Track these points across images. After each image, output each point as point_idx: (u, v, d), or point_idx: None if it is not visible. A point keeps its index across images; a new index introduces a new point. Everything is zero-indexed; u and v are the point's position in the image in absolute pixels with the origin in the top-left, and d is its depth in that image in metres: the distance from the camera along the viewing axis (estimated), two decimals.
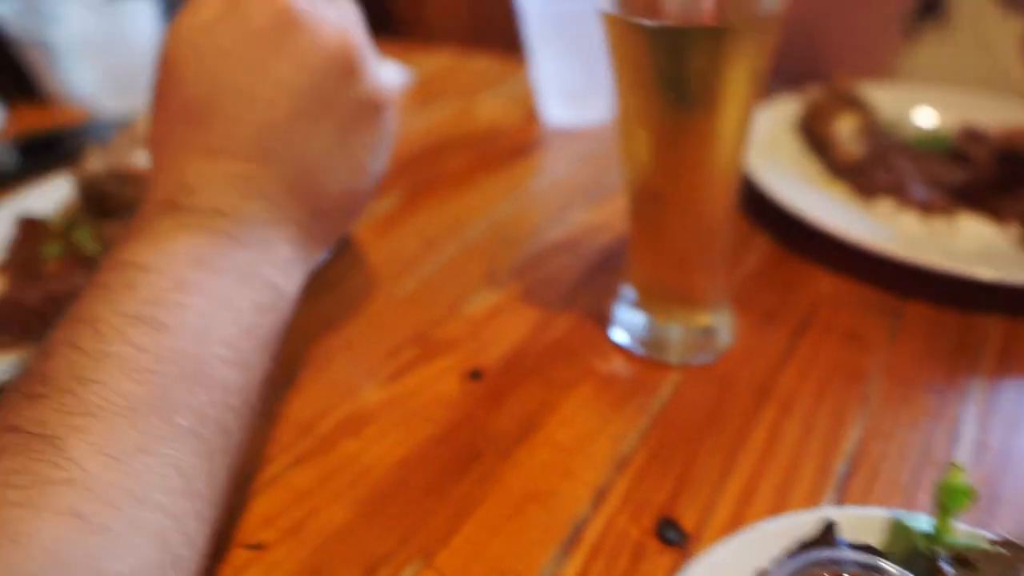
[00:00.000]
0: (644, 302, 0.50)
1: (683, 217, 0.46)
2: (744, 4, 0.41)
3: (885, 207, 0.62)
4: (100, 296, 0.32)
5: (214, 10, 0.39)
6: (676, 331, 0.50)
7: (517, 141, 0.81)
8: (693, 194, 0.46)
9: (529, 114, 0.86)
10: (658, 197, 0.46)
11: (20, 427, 0.27)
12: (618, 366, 0.49)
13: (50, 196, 0.71)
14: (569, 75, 0.79)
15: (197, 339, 0.32)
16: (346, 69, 0.39)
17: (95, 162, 0.63)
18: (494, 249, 0.62)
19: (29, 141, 0.91)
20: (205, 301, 0.33)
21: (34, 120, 1.02)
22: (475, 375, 0.49)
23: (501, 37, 1.25)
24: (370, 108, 0.41)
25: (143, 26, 0.94)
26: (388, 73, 0.95)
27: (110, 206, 0.56)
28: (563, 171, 0.74)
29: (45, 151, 0.86)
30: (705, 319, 0.50)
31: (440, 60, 1.06)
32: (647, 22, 0.40)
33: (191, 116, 0.37)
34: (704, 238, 0.47)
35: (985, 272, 0.52)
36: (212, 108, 0.37)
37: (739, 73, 0.40)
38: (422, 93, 0.96)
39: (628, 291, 0.51)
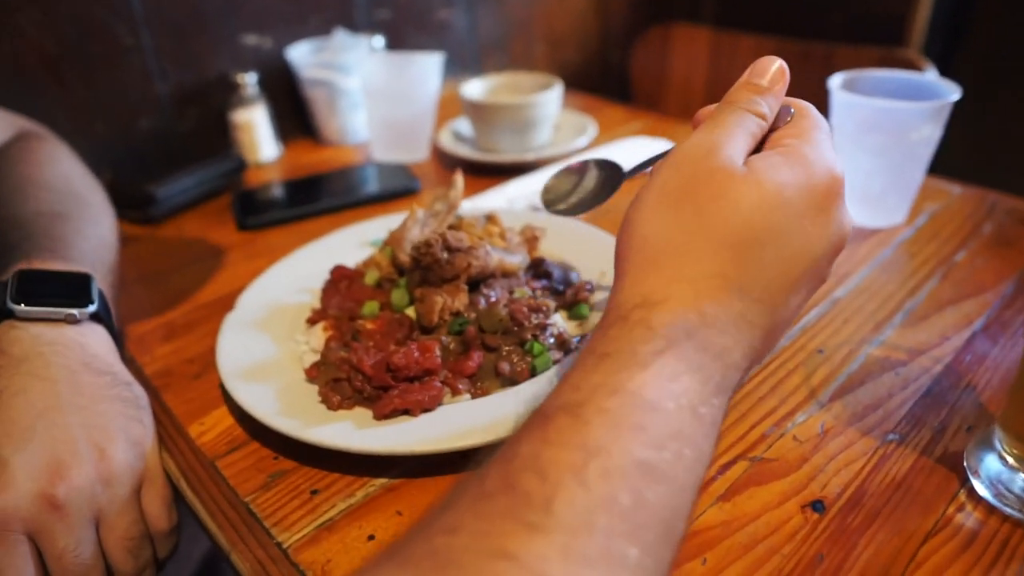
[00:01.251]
0: None
1: None
2: None
3: None
4: (606, 423, 0.31)
5: (782, 156, 0.39)
6: None
7: None
8: None
9: None
10: None
11: (518, 557, 0.26)
12: (982, 524, 0.44)
13: (353, 242, 0.75)
14: (870, 176, 0.75)
15: (680, 495, 0.31)
16: (841, 249, 0.41)
17: (414, 225, 0.65)
18: (810, 359, 0.59)
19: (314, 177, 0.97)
20: (692, 454, 0.32)
21: (310, 157, 1.09)
22: (816, 507, 0.46)
23: None
24: (825, 283, 0.43)
25: (428, 83, 0.98)
26: (661, 148, 0.94)
27: (435, 274, 0.58)
28: (868, 279, 0.69)
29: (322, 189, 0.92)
30: None
31: None
32: None
33: (726, 245, 0.36)
34: None
35: None
36: (752, 246, 0.36)
37: None
38: None
39: (1002, 443, 0.46)
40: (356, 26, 1.16)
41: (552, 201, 0.54)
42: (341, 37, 1.07)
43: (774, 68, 0.43)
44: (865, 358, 0.59)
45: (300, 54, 1.06)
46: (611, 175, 0.54)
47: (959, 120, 0.78)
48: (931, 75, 0.86)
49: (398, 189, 0.90)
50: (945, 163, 0.87)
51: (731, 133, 0.40)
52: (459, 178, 0.67)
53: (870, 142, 0.73)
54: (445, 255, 0.57)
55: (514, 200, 0.83)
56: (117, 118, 0.99)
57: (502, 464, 0.30)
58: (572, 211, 0.53)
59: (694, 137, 0.40)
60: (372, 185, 0.93)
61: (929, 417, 0.53)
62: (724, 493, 0.47)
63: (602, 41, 1.59)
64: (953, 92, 0.71)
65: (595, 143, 1.01)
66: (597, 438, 0.30)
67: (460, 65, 1.31)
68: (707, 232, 0.37)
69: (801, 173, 0.38)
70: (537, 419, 0.32)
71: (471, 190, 0.90)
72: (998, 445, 0.47)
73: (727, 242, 0.36)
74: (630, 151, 0.93)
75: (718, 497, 0.47)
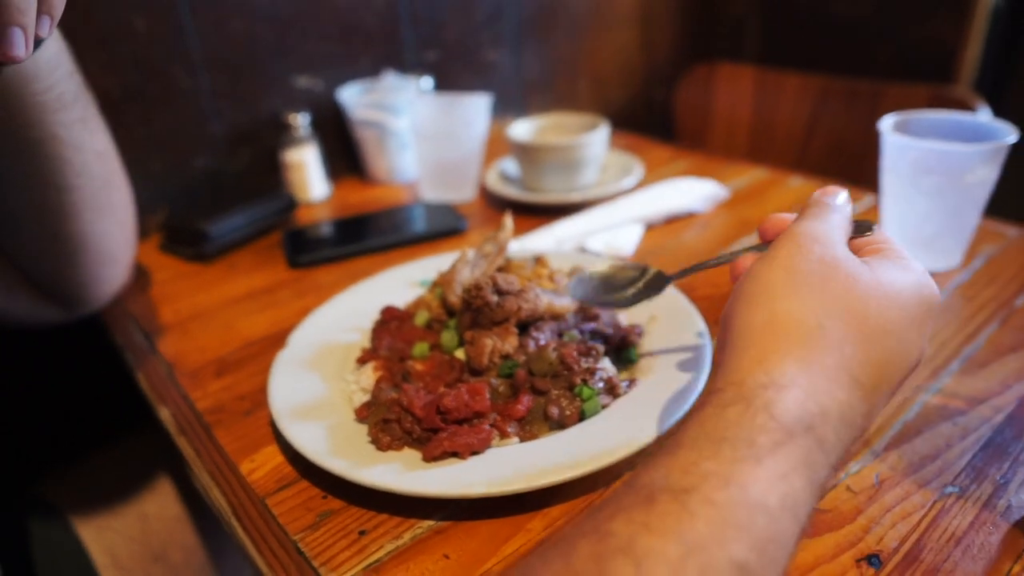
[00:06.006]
0: None
1: None
2: None
3: None
4: (711, 518, 0.30)
5: (892, 261, 0.41)
6: None
7: None
8: None
9: None
10: None
11: None
12: None
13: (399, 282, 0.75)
14: (924, 218, 0.74)
15: None
16: (918, 365, 0.41)
17: (464, 267, 0.66)
18: None
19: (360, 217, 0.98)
20: (784, 555, 0.31)
21: (359, 196, 1.11)
22: (872, 561, 0.45)
23: (776, 160, 1.26)
24: None
25: (476, 124, 0.99)
26: (708, 188, 0.94)
27: (485, 317, 0.58)
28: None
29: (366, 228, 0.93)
30: None
31: (756, 176, 1.04)
32: None
33: (853, 337, 0.37)
34: None
35: None
36: (874, 343, 0.37)
37: None
38: (744, 207, 0.94)
39: None
40: (405, 66, 1.18)
41: (613, 287, 0.59)
42: (390, 78, 1.10)
43: (843, 192, 0.47)
44: (921, 407, 0.58)
45: (350, 95, 1.08)
46: (659, 279, 0.58)
47: (1018, 159, 0.76)
48: (986, 116, 0.85)
49: (445, 229, 0.91)
50: (1007, 204, 0.86)
51: (837, 227, 0.43)
52: (508, 220, 0.68)
53: (924, 184, 0.72)
54: (496, 298, 0.58)
55: (562, 241, 0.84)
56: (173, 157, 1.02)
57: (595, 541, 0.30)
58: (623, 303, 0.57)
59: (807, 225, 0.42)
60: (420, 224, 0.94)
61: (991, 469, 0.51)
62: None
63: (646, 79, 1.60)
64: (1010, 134, 0.70)
65: (642, 183, 1.01)
66: (700, 533, 0.29)
67: (505, 104, 1.33)
68: (838, 320, 0.37)
69: (913, 280, 0.40)
70: (638, 496, 0.32)
71: (518, 230, 0.90)
72: None
73: (853, 334, 0.37)
74: (682, 191, 0.93)
75: None
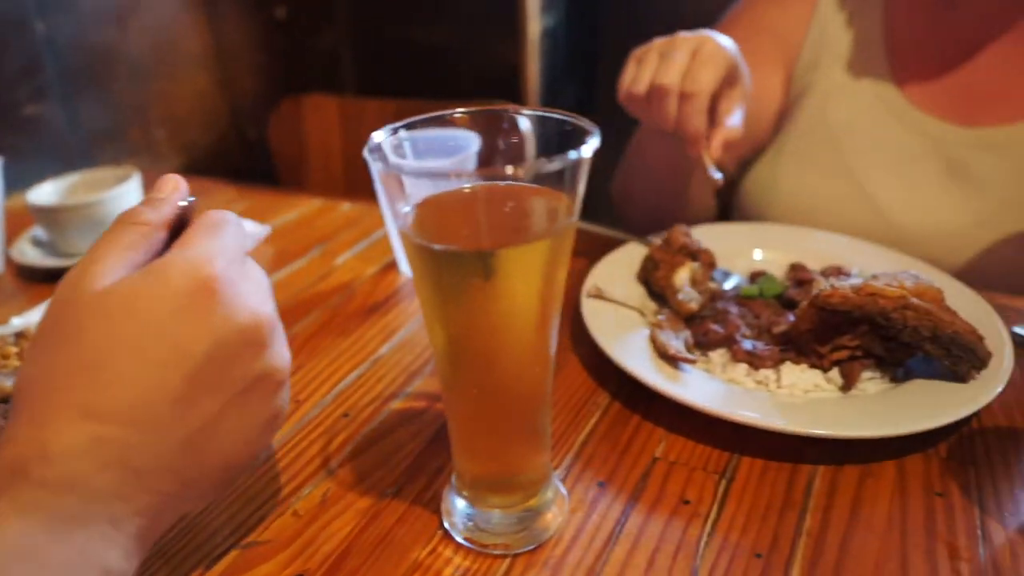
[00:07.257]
0: (467, 488, 0.49)
1: (491, 406, 0.46)
2: (534, 226, 0.42)
3: (719, 359, 0.64)
4: None
5: (130, 267, 0.38)
6: (497, 517, 0.49)
7: (373, 296, 0.81)
8: (497, 386, 0.46)
9: (388, 266, 0.87)
10: (462, 388, 0.46)
11: None
12: (445, 560, 0.48)
13: None
14: None
15: None
16: (252, 342, 0.39)
17: None
18: (335, 425, 0.61)
19: None
20: None
21: None
22: None
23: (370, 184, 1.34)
24: (269, 383, 0.40)
25: None
26: (248, 227, 0.95)
27: None
28: (414, 331, 0.73)
29: None
30: (529, 502, 0.49)
31: (312, 206, 1.07)
32: (435, 246, 0.40)
33: (77, 372, 0.35)
34: (517, 424, 0.47)
35: (812, 428, 0.53)
36: (103, 366, 0.35)
37: (529, 281, 0.41)
38: (287, 239, 0.95)
39: (455, 477, 0.50)
40: None
41: None
42: None
43: (169, 183, 0.44)
44: (388, 414, 0.62)
45: None
46: None
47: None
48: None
49: None
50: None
51: (103, 252, 0.39)
52: None
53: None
54: None
55: None
56: None
57: None
58: None
59: (79, 264, 0.39)
60: None
61: (431, 462, 0.56)
62: None
63: (233, 118, 1.58)
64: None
65: None
66: None
67: (64, 162, 1.24)
68: (57, 362, 0.36)
69: (155, 280, 0.37)
70: None
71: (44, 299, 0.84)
72: (453, 481, 0.51)
73: (73, 368, 0.36)
74: None
75: None
